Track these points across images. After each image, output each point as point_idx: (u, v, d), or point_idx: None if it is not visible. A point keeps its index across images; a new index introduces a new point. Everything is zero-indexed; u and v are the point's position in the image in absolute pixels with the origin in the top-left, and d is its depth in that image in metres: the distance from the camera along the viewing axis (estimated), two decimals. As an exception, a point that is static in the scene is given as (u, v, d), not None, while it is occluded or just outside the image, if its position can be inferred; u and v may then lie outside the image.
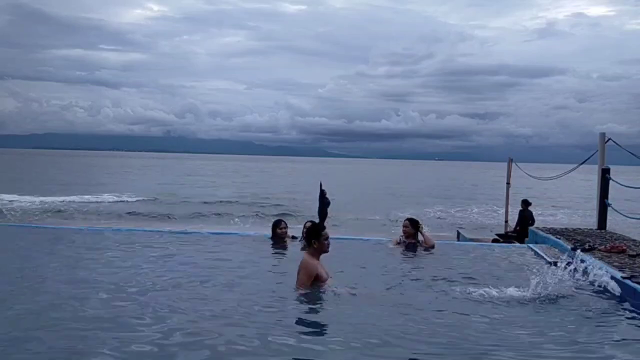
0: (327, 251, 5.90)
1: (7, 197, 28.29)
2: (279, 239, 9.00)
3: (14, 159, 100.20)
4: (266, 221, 17.32)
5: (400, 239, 9.07)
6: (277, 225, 9.18)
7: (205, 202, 30.52)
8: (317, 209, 9.51)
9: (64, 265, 6.76)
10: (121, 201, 30.07)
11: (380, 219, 24.38)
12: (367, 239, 9.99)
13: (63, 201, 28.53)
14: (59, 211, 25.03)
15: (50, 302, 5.02)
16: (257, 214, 25.12)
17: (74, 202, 28.61)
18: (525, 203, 14.25)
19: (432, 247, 8.78)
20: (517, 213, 14.44)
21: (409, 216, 9.86)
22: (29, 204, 26.90)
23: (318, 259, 5.79)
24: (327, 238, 5.88)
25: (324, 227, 6.15)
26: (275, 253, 8.47)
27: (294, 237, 9.17)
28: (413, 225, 9.05)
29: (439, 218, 26.99)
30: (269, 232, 9.35)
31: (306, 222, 9.44)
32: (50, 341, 4.03)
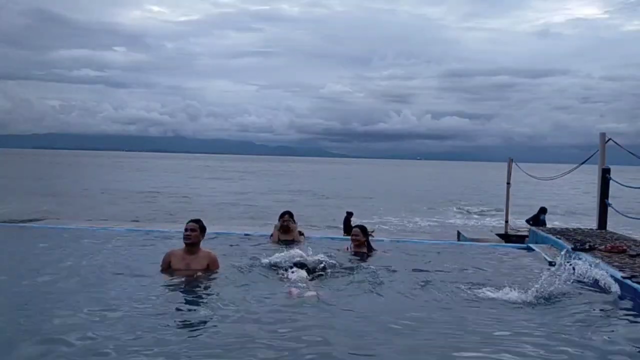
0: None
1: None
2: (283, 229, 8.99)
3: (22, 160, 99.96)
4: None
5: (349, 248, 8.10)
6: (281, 216, 9.20)
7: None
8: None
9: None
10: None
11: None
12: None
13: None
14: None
15: None
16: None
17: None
18: (543, 210, 14.93)
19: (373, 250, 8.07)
20: (531, 216, 15.12)
21: (359, 223, 8.83)
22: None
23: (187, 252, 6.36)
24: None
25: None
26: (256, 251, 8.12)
27: (301, 234, 9.17)
28: (364, 233, 8.18)
29: (439, 218, 27.00)
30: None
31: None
32: None
